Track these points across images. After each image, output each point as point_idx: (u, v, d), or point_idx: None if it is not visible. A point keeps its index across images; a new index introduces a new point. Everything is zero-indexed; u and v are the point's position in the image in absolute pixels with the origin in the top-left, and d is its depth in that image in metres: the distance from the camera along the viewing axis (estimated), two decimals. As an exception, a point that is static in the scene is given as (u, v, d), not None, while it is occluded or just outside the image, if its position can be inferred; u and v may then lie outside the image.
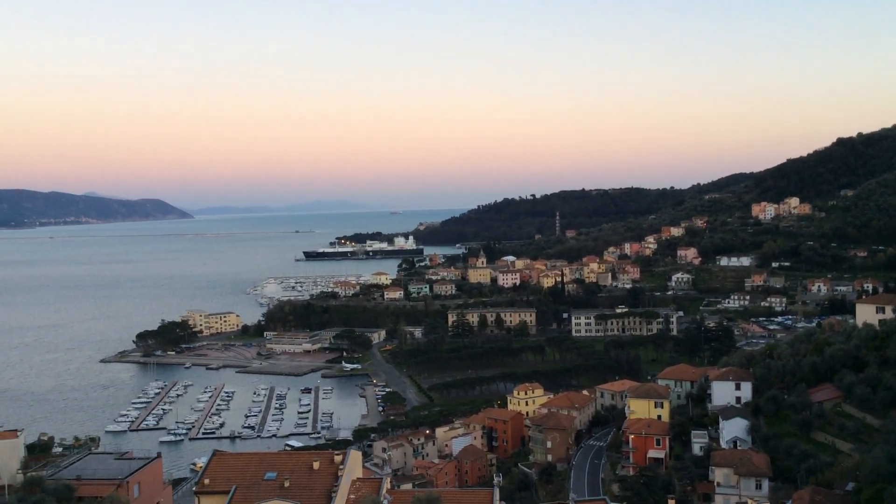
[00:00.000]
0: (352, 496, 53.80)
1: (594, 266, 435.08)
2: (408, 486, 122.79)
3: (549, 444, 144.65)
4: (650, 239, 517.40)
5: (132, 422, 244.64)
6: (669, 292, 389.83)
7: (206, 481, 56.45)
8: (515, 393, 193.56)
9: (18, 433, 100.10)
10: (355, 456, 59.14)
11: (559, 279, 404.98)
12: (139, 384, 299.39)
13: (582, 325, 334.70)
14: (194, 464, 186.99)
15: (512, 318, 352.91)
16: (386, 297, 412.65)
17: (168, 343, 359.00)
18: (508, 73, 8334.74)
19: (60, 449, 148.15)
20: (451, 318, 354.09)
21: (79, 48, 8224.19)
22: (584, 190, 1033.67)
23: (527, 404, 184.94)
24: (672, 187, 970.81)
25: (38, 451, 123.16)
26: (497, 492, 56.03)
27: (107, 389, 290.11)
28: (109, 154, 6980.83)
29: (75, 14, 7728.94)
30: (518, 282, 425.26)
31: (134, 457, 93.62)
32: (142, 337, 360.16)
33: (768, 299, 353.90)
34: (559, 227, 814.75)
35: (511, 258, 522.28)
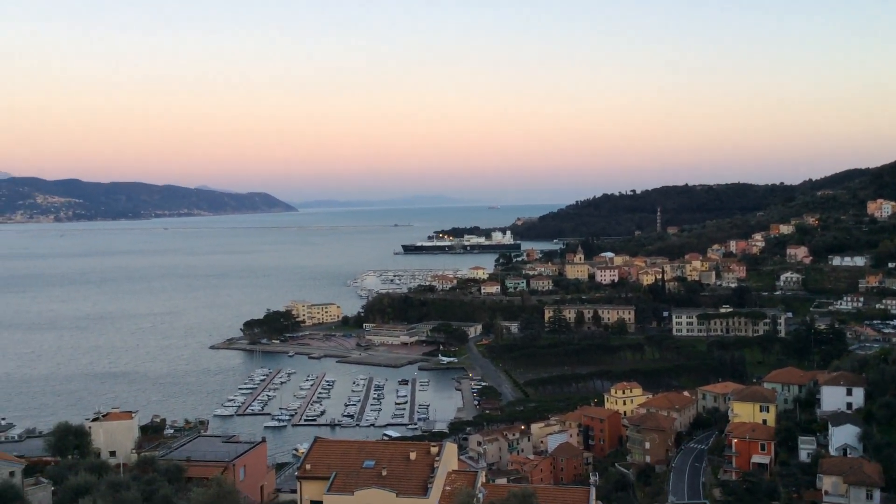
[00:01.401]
0: (447, 488, 54.44)
1: (697, 264, 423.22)
2: (503, 481, 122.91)
3: (647, 445, 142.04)
4: (757, 236, 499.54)
5: (239, 407, 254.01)
6: (777, 292, 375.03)
7: (308, 466, 58.29)
8: (613, 391, 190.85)
9: (133, 414, 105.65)
10: (451, 448, 59.76)
11: (660, 276, 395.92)
12: (245, 370, 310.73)
13: (683, 324, 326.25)
14: (296, 449, 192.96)
15: (610, 315, 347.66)
16: (483, 291, 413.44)
17: (273, 332, 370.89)
18: (610, 67, 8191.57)
19: (172, 431, 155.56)
20: (548, 313, 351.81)
21: (192, 49, 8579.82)
22: (686, 185, 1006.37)
23: (624, 403, 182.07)
24: (782, 183, 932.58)
25: (151, 432, 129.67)
26: (594, 491, 55.54)
27: (216, 375, 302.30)
28: (221, 150, 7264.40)
29: (191, 15, 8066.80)
30: (616, 278, 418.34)
31: (240, 440, 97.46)
32: (248, 325, 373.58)
33: (884, 301, 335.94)
34: (660, 224, 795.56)
35: (610, 254, 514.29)
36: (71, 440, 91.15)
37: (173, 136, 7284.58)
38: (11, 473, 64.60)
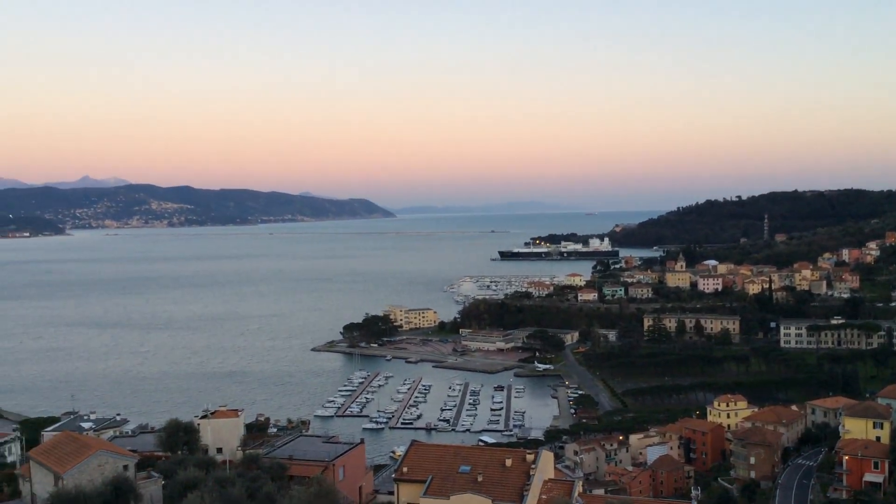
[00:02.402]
0: (543, 496, 54.11)
1: (807, 273, 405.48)
2: (600, 492, 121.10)
3: (752, 460, 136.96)
4: (872, 245, 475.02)
5: (338, 408, 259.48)
6: (893, 303, 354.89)
7: (405, 469, 59.10)
8: (716, 404, 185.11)
9: (239, 413, 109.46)
10: (547, 456, 59.38)
11: (766, 286, 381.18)
12: (345, 373, 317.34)
13: (792, 335, 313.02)
14: (394, 451, 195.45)
15: (713, 324, 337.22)
16: (580, 298, 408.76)
17: (371, 335, 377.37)
18: (713, 71, 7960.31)
19: (275, 429, 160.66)
20: (647, 322, 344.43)
21: (294, 59, 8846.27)
22: (796, 191, 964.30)
23: (728, 416, 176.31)
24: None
25: (256, 430, 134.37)
26: (694, 505, 54.08)
27: (316, 377, 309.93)
28: (324, 157, 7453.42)
29: (295, 24, 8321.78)
30: (720, 287, 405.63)
31: (340, 441, 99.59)
32: (348, 329, 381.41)
33: None
34: (767, 231, 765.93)
35: (713, 262, 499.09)
36: (181, 436, 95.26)
37: (278, 144, 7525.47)
38: (125, 467, 67.97)
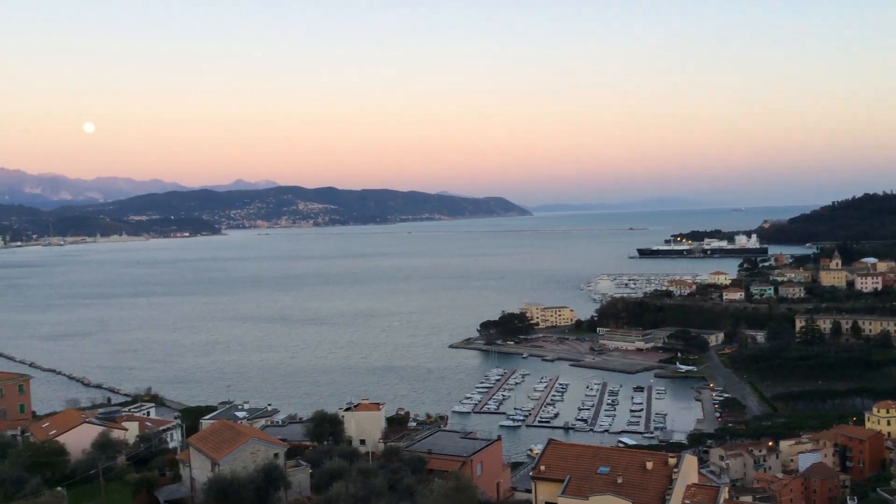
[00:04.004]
0: (686, 501, 52.58)
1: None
2: (748, 499, 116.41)
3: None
4: None
5: (475, 404, 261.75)
6: None
7: (542, 468, 58.98)
8: (875, 410, 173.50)
9: (381, 406, 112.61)
10: (690, 460, 57.69)
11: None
12: (482, 370, 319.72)
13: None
14: (531, 450, 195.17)
15: (872, 326, 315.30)
16: (724, 297, 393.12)
17: (507, 333, 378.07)
18: (870, 56, 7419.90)
19: (414, 423, 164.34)
20: (799, 323, 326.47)
21: (429, 60, 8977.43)
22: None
23: (888, 424, 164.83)
24: None
25: (397, 423, 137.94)
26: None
27: (455, 373, 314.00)
28: (461, 157, 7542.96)
29: (427, 23, 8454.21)
30: (880, 286, 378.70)
31: (477, 437, 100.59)
32: (485, 326, 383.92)
33: None
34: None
35: (872, 260, 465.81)
36: (326, 427, 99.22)
37: (417, 145, 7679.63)
38: (276, 455, 71.50)
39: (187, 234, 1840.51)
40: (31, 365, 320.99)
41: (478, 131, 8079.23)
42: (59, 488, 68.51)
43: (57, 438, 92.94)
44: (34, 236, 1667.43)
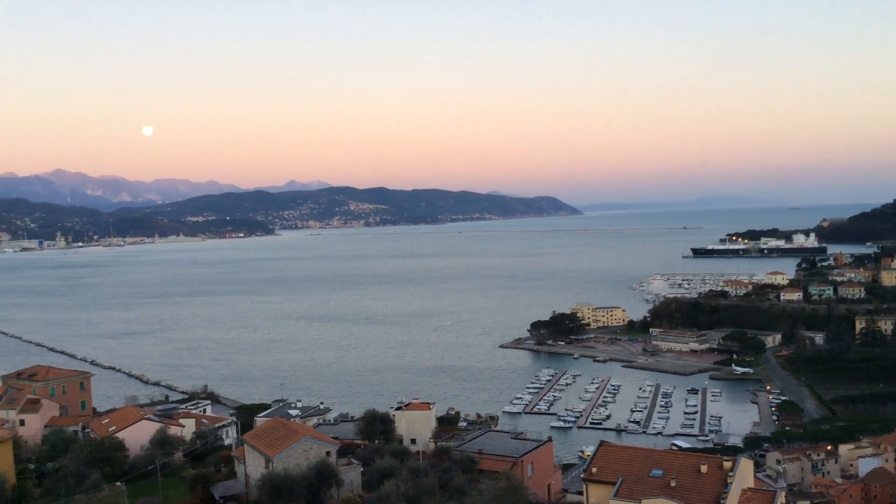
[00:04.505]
0: (742, 505, 51.67)
1: None
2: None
3: None
4: None
5: (526, 405, 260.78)
6: None
7: (594, 470, 58.54)
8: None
9: (431, 406, 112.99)
10: (746, 464, 56.63)
11: None
12: (532, 370, 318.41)
13: None
14: (582, 451, 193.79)
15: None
16: (782, 298, 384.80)
17: (558, 333, 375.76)
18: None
19: (465, 423, 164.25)
20: (859, 324, 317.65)
21: (481, 61, 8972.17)
22: None
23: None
24: None
25: (447, 423, 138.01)
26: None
27: (505, 373, 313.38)
28: (512, 156, 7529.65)
29: (478, 24, 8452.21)
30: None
31: (528, 438, 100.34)
32: (535, 326, 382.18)
33: None
34: None
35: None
36: (377, 426, 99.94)
37: (468, 144, 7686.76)
38: (328, 453, 72.27)
39: (242, 235, 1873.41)
40: (91, 362, 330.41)
41: (529, 131, 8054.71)
42: (118, 483, 70.31)
43: (116, 434, 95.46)
44: (95, 237, 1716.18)
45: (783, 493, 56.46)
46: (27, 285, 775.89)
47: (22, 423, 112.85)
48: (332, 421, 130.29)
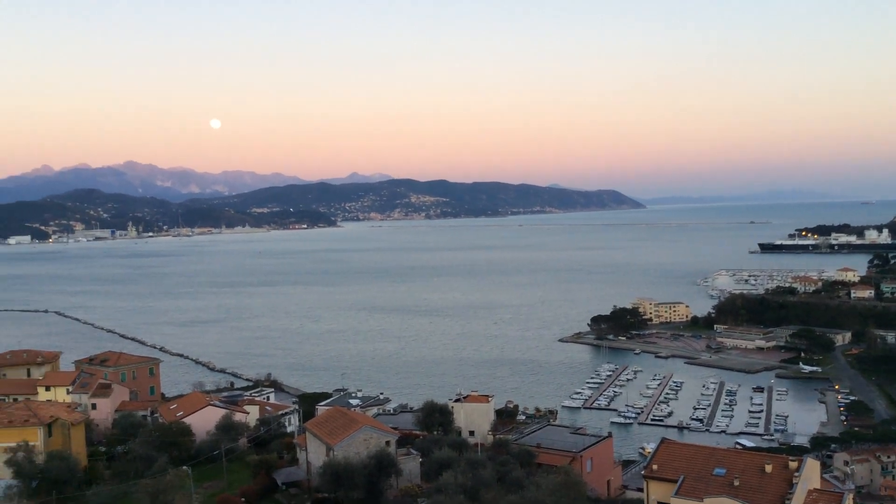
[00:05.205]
0: (807, 507, 50.45)
1: None
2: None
3: None
4: None
5: (585, 400, 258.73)
6: None
7: (655, 467, 57.87)
8: None
9: (490, 398, 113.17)
10: (812, 464, 55.24)
11: None
12: (592, 365, 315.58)
13: None
14: (643, 448, 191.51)
15: None
16: (853, 295, 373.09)
17: (619, 328, 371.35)
18: None
19: (523, 417, 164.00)
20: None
21: (543, 57, 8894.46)
22: None
23: None
24: None
25: (505, 416, 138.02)
26: None
27: (564, 368, 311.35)
28: (573, 148, 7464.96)
29: (544, 20, 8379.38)
30: None
31: (587, 433, 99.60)
32: (596, 321, 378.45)
33: None
34: None
35: None
36: (436, 417, 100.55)
37: (528, 137, 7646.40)
38: (387, 443, 73.08)
39: (305, 226, 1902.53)
40: (161, 349, 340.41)
41: (590, 123, 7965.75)
42: (184, 467, 72.30)
43: (183, 420, 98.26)
44: (165, 227, 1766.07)
45: (851, 496, 54.87)
46: (101, 273, 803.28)
47: (94, 406, 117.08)
48: (392, 411, 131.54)
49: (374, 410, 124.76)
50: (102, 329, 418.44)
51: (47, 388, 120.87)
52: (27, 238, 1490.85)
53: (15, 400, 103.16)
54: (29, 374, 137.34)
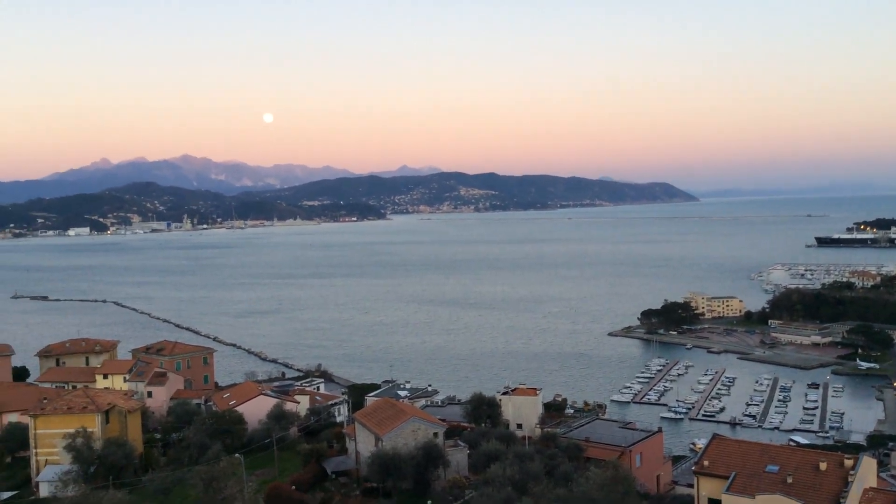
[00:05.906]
0: (863, 506, 49.35)
1: None
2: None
3: None
4: None
5: (635, 394, 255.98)
6: None
7: (706, 463, 57.22)
8: None
9: (538, 392, 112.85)
10: (868, 463, 54.00)
11: None
12: (642, 359, 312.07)
13: None
14: (693, 444, 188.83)
15: None
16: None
17: (670, 322, 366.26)
18: None
19: (572, 410, 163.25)
20: None
21: (592, 48, 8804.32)
22: None
23: None
24: None
25: (554, 409, 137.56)
26: None
27: (614, 362, 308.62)
28: (624, 142, 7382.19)
29: (581, 17, 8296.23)
30: None
31: (636, 428, 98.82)
32: (646, 315, 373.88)
33: None
34: None
35: None
36: (484, 410, 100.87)
37: (578, 129, 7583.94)
38: (435, 434, 73.62)
39: (355, 219, 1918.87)
40: (214, 339, 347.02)
41: (642, 114, 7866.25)
42: (236, 455, 73.84)
43: (236, 408, 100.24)
44: (219, 219, 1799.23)
45: (910, 496, 53.50)
46: (157, 264, 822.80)
47: (150, 394, 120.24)
48: (440, 403, 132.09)
49: (422, 402, 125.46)
50: (158, 319, 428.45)
51: (105, 377, 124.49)
52: (86, 230, 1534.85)
53: (74, 387, 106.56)
54: (87, 363, 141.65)
